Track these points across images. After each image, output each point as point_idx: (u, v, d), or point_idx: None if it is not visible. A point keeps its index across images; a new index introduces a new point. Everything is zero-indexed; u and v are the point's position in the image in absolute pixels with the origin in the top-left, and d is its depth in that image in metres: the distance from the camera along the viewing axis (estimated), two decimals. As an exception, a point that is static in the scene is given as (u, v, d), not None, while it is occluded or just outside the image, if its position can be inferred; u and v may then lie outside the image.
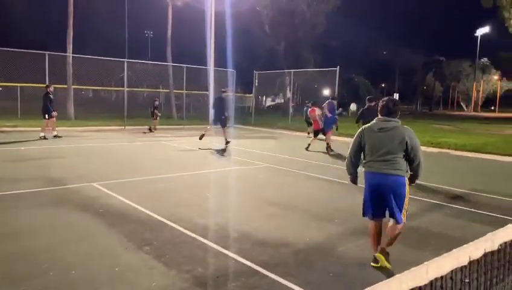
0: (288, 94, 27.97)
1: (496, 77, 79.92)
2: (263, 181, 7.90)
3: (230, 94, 16.46)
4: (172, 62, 25.14)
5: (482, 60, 73.70)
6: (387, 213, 3.89)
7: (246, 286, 3.42)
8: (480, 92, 79.00)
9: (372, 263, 3.87)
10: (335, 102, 13.12)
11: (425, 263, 1.59)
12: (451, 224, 5.34)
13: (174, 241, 4.39)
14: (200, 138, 12.94)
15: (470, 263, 1.80)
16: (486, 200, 6.87)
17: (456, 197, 6.91)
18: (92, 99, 43.10)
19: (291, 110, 28.08)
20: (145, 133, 16.56)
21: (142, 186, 7.00)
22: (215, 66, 22.25)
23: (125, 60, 19.12)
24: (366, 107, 10.78)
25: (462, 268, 1.77)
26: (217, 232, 4.75)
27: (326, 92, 42.27)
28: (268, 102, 52.45)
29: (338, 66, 18.41)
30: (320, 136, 12.72)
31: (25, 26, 38.59)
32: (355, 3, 52.85)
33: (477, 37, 62.97)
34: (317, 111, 12.54)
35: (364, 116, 10.14)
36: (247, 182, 7.79)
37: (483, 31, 62.41)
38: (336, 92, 20.25)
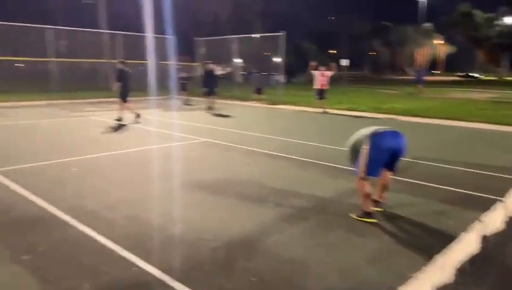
0: (233, 62, 26.85)
1: (439, 41, 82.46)
2: (197, 159, 7.10)
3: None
4: (109, 30, 23.20)
5: (426, 24, 75.51)
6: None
7: (143, 305, 2.67)
8: (425, 57, 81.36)
9: (377, 208, 4.38)
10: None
11: None
12: (391, 198, 4.82)
13: (66, 245, 3.53)
14: None
15: None
16: (427, 169, 6.51)
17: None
18: (24, 72, 39.55)
19: (239, 78, 27.13)
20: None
21: (51, 172, 5.98)
22: (155, 34, 20.71)
23: (48, 26, 17.22)
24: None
25: None
26: (123, 228, 3.93)
27: (275, 59, 41.42)
28: (219, 71, 50.92)
29: (283, 32, 17.55)
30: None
31: None
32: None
33: (420, 2, 64.05)
34: (328, 74, 14.62)
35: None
36: (177, 162, 6.95)
37: (426, -4, 63.55)
38: (283, 59, 19.52)
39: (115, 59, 19.87)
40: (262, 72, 18.34)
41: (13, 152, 7.36)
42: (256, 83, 19.28)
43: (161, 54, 23.06)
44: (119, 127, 10.68)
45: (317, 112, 14.72)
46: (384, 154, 4.18)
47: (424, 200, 4.97)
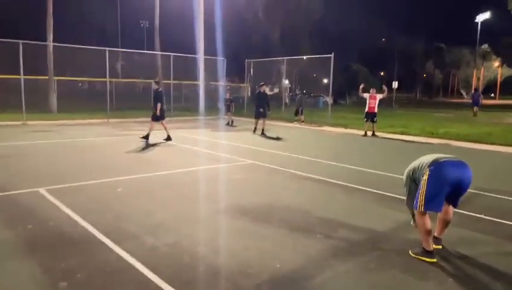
0: (283, 83, 26.86)
1: (496, 64, 78.53)
2: (241, 182, 6.93)
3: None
4: (165, 52, 24.02)
5: (483, 46, 72.38)
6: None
7: None
8: (481, 79, 77.68)
9: (435, 246, 3.94)
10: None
11: None
12: (452, 235, 4.36)
13: (104, 272, 3.41)
14: None
15: None
16: (491, 201, 5.93)
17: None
18: (85, 91, 41.68)
19: (286, 99, 27.05)
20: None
21: (96, 192, 6.02)
22: (207, 55, 21.18)
23: (107, 48, 18.02)
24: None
25: None
26: (163, 255, 3.77)
27: (325, 80, 41.01)
28: (267, 92, 51.09)
29: (333, 53, 17.30)
30: None
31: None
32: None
33: (478, 23, 61.62)
34: (378, 97, 14.27)
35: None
36: (222, 184, 6.82)
37: (483, 17, 61.00)
38: (331, 80, 19.21)
39: (169, 79, 20.48)
40: (308, 94, 18.26)
41: (61, 170, 7.55)
42: (296, 104, 19.63)
43: (211, 75, 23.56)
44: (166, 146, 10.80)
45: (365, 135, 14.22)
46: (446, 186, 3.74)
47: (490, 238, 4.46)
